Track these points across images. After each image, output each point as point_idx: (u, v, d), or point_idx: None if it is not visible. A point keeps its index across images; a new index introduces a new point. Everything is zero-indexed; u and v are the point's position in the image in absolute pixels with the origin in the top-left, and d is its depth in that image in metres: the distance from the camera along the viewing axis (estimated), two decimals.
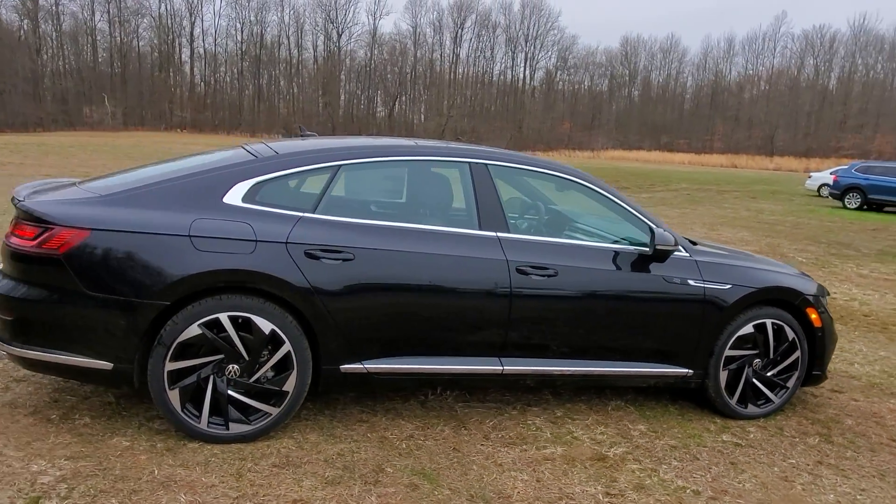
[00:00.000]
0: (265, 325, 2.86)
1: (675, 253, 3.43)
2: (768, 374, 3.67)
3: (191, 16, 68.35)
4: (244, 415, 2.92)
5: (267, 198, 2.99)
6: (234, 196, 2.94)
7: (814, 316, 3.69)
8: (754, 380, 3.65)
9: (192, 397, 2.86)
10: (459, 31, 79.16)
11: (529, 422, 3.43)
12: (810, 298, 3.69)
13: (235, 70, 73.01)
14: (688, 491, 2.86)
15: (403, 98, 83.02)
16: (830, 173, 24.50)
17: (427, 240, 3.10)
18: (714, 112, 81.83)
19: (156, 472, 2.62)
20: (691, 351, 3.50)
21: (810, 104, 76.81)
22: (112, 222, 2.75)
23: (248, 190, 2.97)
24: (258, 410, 2.94)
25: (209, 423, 2.87)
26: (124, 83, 63.39)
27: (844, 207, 19.55)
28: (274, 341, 2.89)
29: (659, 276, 3.41)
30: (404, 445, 3.06)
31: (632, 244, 3.46)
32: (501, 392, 3.76)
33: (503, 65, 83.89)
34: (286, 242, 2.88)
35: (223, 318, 2.81)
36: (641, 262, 3.40)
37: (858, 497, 2.91)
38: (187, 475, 2.62)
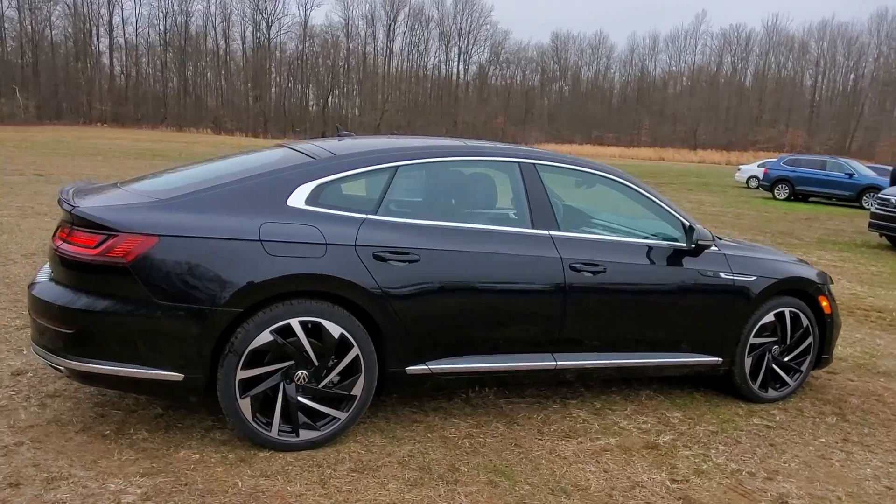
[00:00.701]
0: (335, 330, 2.82)
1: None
2: (785, 359, 3.91)
3: (109, 3, 65.01)
4: (312, 421, 2.88)
5: (329, 200, 2.95)
6: (298, 199, 2.89)
7: (825, 303, 3.95)
8: (773, 365, 3.88)
9: (262, 405, 2.79)
10: (392, 24, 78.71)
11: (574, 414, 3.52)
12: (822, 287, 3.95)
13: (158, 62, 70.03)
14: (743, 473, 3.02)
15: (337, 92, 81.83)
16: (759, 166, 25.95)
17: (485, 239, 3.14)
18: (640, 107, 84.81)
19: (240, 484, 2.56)
20: (721, 340, 3.68)
21: (729, 100, 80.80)
22: (181, 228, 2.65)
23: (311, 192, 2.92)
24: (327, 416, 2.90)
25: (279, 430, 2.81)
26: (36, 74, 59.68)
27: (774, 198, 20.75)
28: (342, 345, 2.86)
29: (695, 269, 3.56)
30: (467, 444, 3.09)
31: (665, 240, 3.60)
32: (537, 387, 3.84)
33: (437, 59, 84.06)
34: (355, 245, 2.86)
35: (294, 323, 2.75)
36: (679, 257, 3.55)
37: (890, 470, 3.16)
38: (271, 485, 2.57)
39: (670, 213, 3.65)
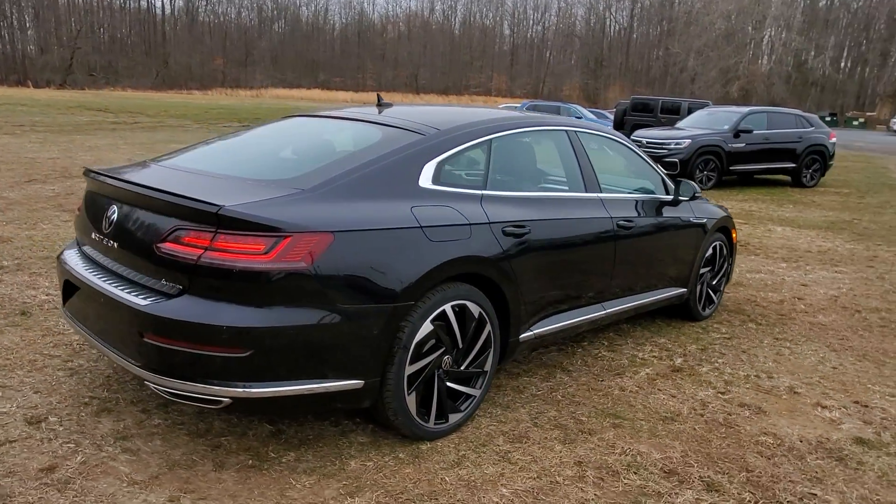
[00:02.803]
0: (475, 310, 2.82)
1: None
2: (713, 282, 4.86)
3: None
4: (455, 403, 2.87)
5: (447, 178, 2.86)
6: (426, 179, 2.76)
7: (734, 236, 4.97)
8: (708, 289, 4.80)
9: (422, 398, 2.70)
10: None
11: (602, 355, 3.98)
12: (732, 223, 4.95)
13: None
14: (751, 377, 3.81)
15: (3, 24, 67.38)
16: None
17: (564, 205, 3.35)
18: (363, 51, 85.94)
19: (447, 479, 2.50)
20: (688, 274, 4.45)
21: (443, 46, 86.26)
22: (351, 221, 2.38)
23: (434, 171, 2.80)
24: (467, 396, 2.91)
25: (434, 419, 2.76)
26: None
27: None
28: (479, 324, 2.87)
29: (677, 216, 4.22)
30: (559, 397, 3.36)
31: (654, 193, 4.17)
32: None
33: None
34: (489, 223, 2.85)
35: (448, 309, 2.69)
36: (665, 208, 4.15)
37: (822, 355, 4.25)
38: (468, 474, 2.56)
39: (655, 171, 4.22)
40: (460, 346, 2.80)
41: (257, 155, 3.15)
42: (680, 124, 14.06)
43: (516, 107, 25.69)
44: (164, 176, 2.67)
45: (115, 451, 2.51)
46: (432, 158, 2.81)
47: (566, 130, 3.59)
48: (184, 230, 2.27)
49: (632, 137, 13.26)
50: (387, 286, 2.45)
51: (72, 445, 2.53)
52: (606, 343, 4.19)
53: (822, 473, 2.79)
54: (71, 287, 2.76)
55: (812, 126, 13.63)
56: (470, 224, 2.76)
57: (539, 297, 3.20)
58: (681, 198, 4.17)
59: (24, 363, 3.24)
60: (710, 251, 4.64)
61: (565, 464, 2.71)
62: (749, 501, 2.54)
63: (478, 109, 3.66)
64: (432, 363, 2.70)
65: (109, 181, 2.60)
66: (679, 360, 3.98)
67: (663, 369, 3.82)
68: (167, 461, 2.47)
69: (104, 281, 2.48)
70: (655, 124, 17.12)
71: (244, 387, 2.25)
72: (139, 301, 2.29)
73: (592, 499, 2.48)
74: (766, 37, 62.57)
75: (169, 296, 2.29)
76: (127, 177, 2.59)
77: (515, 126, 3.32)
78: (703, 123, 13.49)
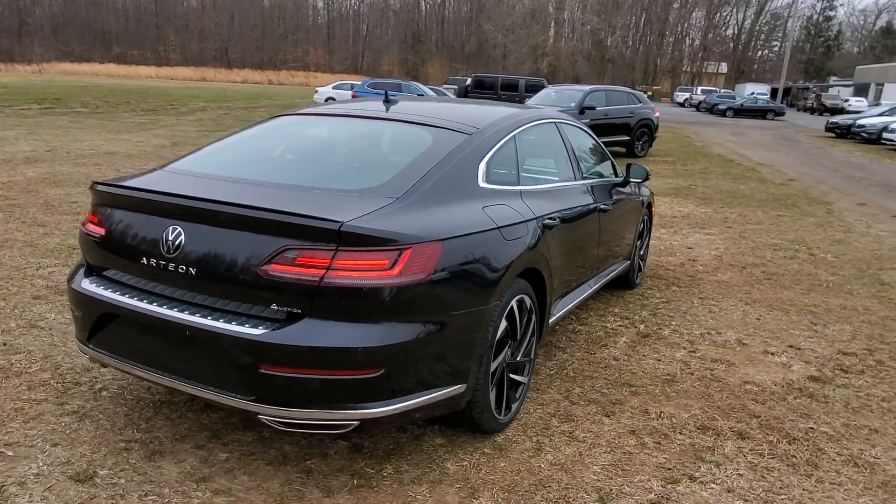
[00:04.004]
0: (528, 302, 2.95)
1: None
2: (641, 253, 5.41)
3: None
4: (513, 393, 2.99)
5: (493, 176, 2.93)
6: (482, 178, 2.81)
7: (653, 209, 5.55)
8: (639, 260, 5.34)
9: (498, 392, 2.78)
10: None
11: (578, 329, 4.31)
12: (653, 198, 5.52)
13: None
14: (705, 335, 4.36)
15: None
16: (334, 88, 28.12)
17: (572, 194, 3.58)
18: (163, 21, 78.65)
19: (541, 466, 2.63)
20: (631, 248, 4.91)
21: (253, 17, 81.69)
22: (450, 227, 2.39)
23: (485, 170, 2.85)
24: (520, 384, 3.04)
25: (503, 411, 2.86)
26: None
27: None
28: (530, 315, 3.00)
29: (630, 196, 4.64)
30: (571, 373, 3.61)
31: (609, 175, 4.54)
32: None
33: None
34: (535, 217, 2.97)
35: (514, 304, 2.79)
36: (616, 189, 4.54)
37: (742, 309, 4.96)
38: (563, 456, 2.71)
39: (608, 155, 4.58)
40: (517, 338, 2.91)
41: (312, 162, 2.96)
42: (530, 102, 14.94)
43: (357, 84, 25.38)
44: (232, 189, 2.42)
45: (208, 496, 2.29)
46: (483, 157, 2.85)
47: (555, 122, 3.79)
48: (296, 250, 2.11)
49: None
50: (482, 288, 2.49)
51: (154, 497, 2.26)
52: (574, 318, 4.52)
53: (807, 409, 3.34)
54: (105, 320, 2.41)
55: (641, 102, 15.23)
56: (525, 221, 2.86)
57: (559, 283, 3.40)
58: (632, 179, 4.58)
59: (13, 414, 2.76)
60: (641, 225, 5.15)
61: (622, 434, 2.96)
62: (776, 442, 2.99)
63: (483, 105, 3.71)
64: (503, 357, 2.79)
65: (166, 199, 2.31)
66: (642, 327, 4.42)
67: (634, 336, 4.24)
68: (272, 495, 2.31)
69: (183, 312, 2.22)
70: (519, 102, 17.99)
71: (374, 407, 2.18)
72: (250, 331, 2.10)
73: (663, 461, 2.76)
74: (567, 16, 67.74)
75: (281, 322, 2.13)
76: (192, 193, 2.31)
77: (528, 120, 3.44)
78: (552, 101, 14.46)
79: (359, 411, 2.17)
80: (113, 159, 10.48)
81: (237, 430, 2.75)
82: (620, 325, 4.42)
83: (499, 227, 2.63)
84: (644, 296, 5.12)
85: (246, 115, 21.68)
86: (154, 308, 2.27)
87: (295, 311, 2.13)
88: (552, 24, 69.63)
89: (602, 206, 3.95)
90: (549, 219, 3.11)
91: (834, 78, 68.25)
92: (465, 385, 2.49)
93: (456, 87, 29.83)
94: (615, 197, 4.35)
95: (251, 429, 2.76)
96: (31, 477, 2.34)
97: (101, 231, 2.49)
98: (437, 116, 3.09)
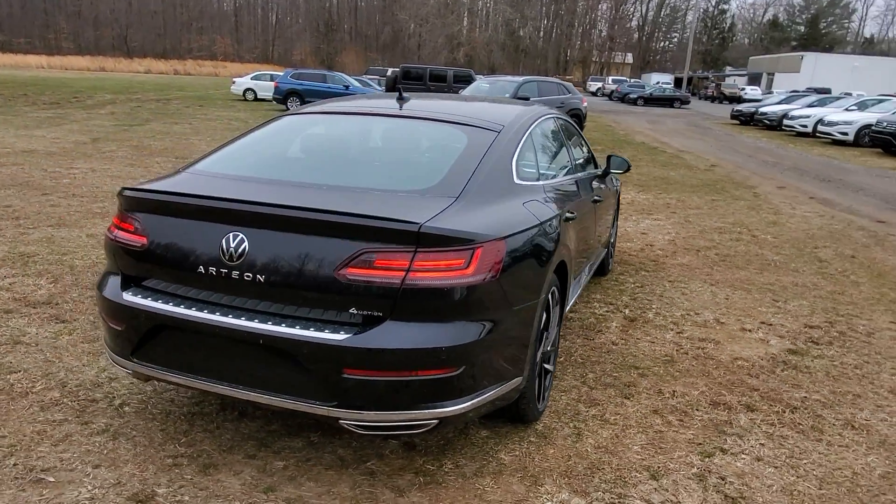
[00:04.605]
0: (556, 293, 3.05)
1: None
2: (612, 240, 5.64)
3: None
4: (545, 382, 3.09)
5: (522, 172, 2.99)
6: (515, 175, 2.86)
7: (620, 196, 5.80)
8: (610, 247, 5.57)
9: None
10: None
11: (568, 316, 4.46)
12: (621, 187, 5.77)
13: None
14: (685, 315, 4.63)
15: None
16: (253, 78, 27.23)
17: (577, 186, 3.70)
18: (51, 6, 73.23)
19: (587, 451, 2.74)
20: (609, 235, 5.12)
21: (154, 4, 77.49)
22: (508, 225, 2.44)
23: (516, 166, 2.91)
24: (549, 372, 3.14)
25: (540, 400, 2.96)
26: None
27: (287, 110, 22.53)
28: (556, 305, 3.11)
29: (611, 187, 4.84)
30: (579, 358, 3.75)
31: (592, 166, 4.71)
32: None
33: None
34: (559, 212, 3.06)
35: (549, 297, 2.88)
36: (600, 179, 4.72)
37: (709, 290, 5.28)
38: (602, 440, 2.84)
39: (588, 146, 4.75)
40: (548, 328, 3.01)
41: (357, 163, 2.93)
42: (464, 93, 15.07)
43: (279, 75, 24.65)
44: (294, 193, 2.36)
45: None
46: (514, 153, 2.91)
47: (553, 116, 3.89)
48: (374, 253, 2.10)
49: None
50: (535, 283, 2.56)
51: None
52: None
53: (796, 380, 3.64)
54: (154, 333, 2.31)
55: (570, 92, 15.71)
56: (556, 215, 2.95)
57: (572, 273, 3.52)
58: (613, 171, 4.76)
59: (37, 438, 2.59)
60: (614, 213, 5.38)
61: (647, 414, 3.13)
62: (780, 412, 3.24)
63: (491, 101, 3.75)
64: (542, 348, 2.87)
65: (229, 205, 2.22)
66: (627, 311, 4.64)
67: (623, 321, 4.44)
68: (345, 499, 2.30)
69: (252, 321, 2.16)
70: (448, 93, 18.05)
71: (452, 405, 2.21)
72: (331, 336, 2.08)
73: (692, 437, 2.95)
74: (480, 6, 68.47)
75: (361, 326, 2.12)
76: (255, 198, 2.23)
77: (539, 115, 3.52)
78: (485, 92, 14.67)
79: (438, 410, 2.19)
80: (34, 158, 9.75)
81: (283, 437, 2.70)
82: (607, 311, 4.62)
83: (541, 223, 2.70)
84: (619, 281, 5.36)
85: (161, 108, 20.65)
86: (219, 318, 2.19)
87: (375, 314, 2.12)
88: (466, 14, 70.16)
89: (596, 197, 4.10)
90: (569, 212, 3.22)
91: (729, 68, 72.77)
92: (522, 377, 2.56)
93: (378, 77, 29.58)
94: (601, 187, 4.52)
95: (297, 435, 2.71)
96: (86, 502, 2.22)
97: (141, 240, 2.36)
98: (461, 114, 3.12)
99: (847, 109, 20.51)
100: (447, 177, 2.54)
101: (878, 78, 48.78)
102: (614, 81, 50.15)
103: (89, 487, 2.30)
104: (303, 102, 22.46)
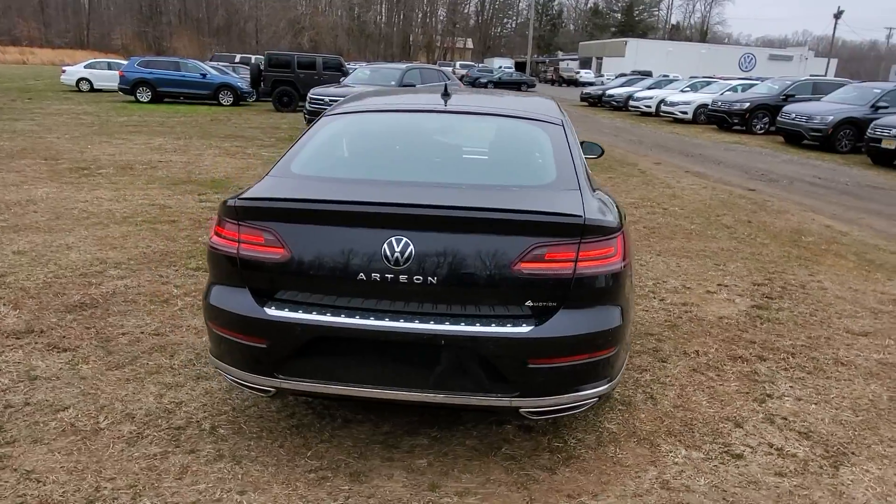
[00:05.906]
0: None
1: None
2: None
3: None
4: None
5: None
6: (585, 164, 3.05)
7: None
8: None
9: None
10: None
11: None
12: None
13: None
14: (657, 284, 5.13)
15: None
16: (86, 67, 24.67)
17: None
18: None
19: (670, 410, 3.04)
20: None
21: None
22: (615, 213, 2.62)
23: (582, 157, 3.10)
24: None
25: None
26: None
27: (137, 101, 20.69)
28: None
29: None
30: None
31: None
32: None
33: None
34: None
35: None
36: None
37: (661, 260, 5.85)
38: (676, 402, 3.15)
39: None
40: None
41: (456, 159, 2.98)
42: (348, 81, 14.87)
43: (120, 63, 22.47)
44: (439, 193, 2.37)
45: (457, 500, 2.28)
46: (578, 144, 3.09)
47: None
48: (544, 247, 2.20)
49: (310, 96, 13.52)
50: (630, 269, 2.78)
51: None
52: None
53: (777, 331, 4.22)
54: (309, 346, 2.22)
55: (450, 79, 16.04)
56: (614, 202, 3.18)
57: None
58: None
59: (151, 475, 2.37)
60: None
61: (690, 374, 3.50)
62: (785, 357, 3.78)
63: (514, 95, 3.86)
64: None
65: (386, 209, 2.18)
66: None
67: None
68: (511, 485, 2.39)
69: (427, 323, 2.16)
70: (319, 81, 17.64)
71: (604, 384, 2.38)
72: (515, 329, 2.15)
73: (738, 388, 3.36)
74: None
75: (537, 317, 2.21)
76: (410, 200, 2.21)
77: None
78: (368, 79, 14.58)
79: (599, 388, 2.36)
80: None
81: (404, 437, 2.70)
82: None
83: (620, 212, 2.92)
84: None
85: None
86: (390, 324, 2.17)
87: (550, 304, 2.23)
88: None
89: None
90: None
91: (561, 53, 77.70)
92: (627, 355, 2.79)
93: (228, 64, 28.03)
94: None
95: (416, 433, 2.73)
96: None
97: (279, 251, 2.25)
98: (515, 108, 3.24)
99: (682, 91, 22.95)
100: (561, 171, 2.67)
101: (686, 60, 54.87)
102: (463, 66, 51.57)
103: None
104: (154, 92, 20.76)
